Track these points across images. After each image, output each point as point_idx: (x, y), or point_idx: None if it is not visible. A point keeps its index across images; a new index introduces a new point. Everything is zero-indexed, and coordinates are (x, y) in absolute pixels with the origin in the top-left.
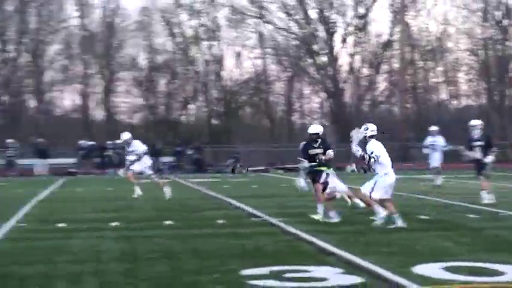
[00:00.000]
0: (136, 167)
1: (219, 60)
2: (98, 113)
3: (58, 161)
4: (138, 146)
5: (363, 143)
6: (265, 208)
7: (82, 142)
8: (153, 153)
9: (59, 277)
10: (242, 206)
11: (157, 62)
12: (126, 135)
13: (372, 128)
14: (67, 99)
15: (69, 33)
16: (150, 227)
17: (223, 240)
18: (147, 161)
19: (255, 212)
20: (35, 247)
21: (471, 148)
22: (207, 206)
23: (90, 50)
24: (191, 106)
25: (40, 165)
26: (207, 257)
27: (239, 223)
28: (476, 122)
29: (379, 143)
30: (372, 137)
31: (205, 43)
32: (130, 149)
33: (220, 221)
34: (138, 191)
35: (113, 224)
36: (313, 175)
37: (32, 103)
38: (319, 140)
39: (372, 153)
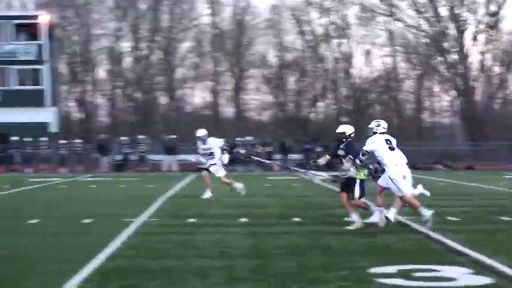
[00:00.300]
0: (213, 168)
1: (348, 58)
2: (228, 110)
3: (188, 157)
4: (214, 144)
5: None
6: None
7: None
8: (283, 150)
9: (187, 271)
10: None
11: (287, 59)
12: (201, 132)
13: (383, 125)
14: (198, 96)
15: (200, 31)
16: (278, 224)
17: (351, 238)
18: (224, 159)
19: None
20: (165, 241)
21: None
22: (335, 203)
23: (221, 48)
24: (320, 104)
25: (168, 161)
26: (334, 254)
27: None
28: None
29: (382, 138)
30: (382, 133)
31: (334, 41)
32: (205, 147)
33: (348, 219)
34: (208, 193)
35: (241, 220)
36: (343, 182)
37: (163, 100)
38: (345, 141)
39: (366, 152)
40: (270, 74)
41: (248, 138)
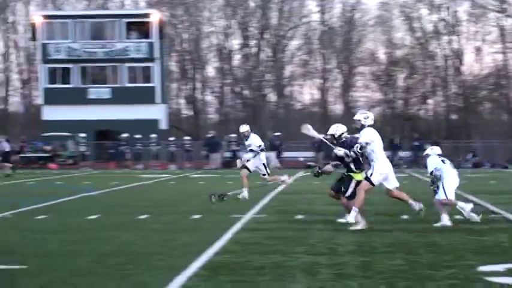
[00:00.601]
0: (251, 165)
1: (458, 55)
2: (336, 107)
3: (296, 154)
4: (255, 141)
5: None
6: (503, 205)
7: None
8: (391, 147)
9: (295, 267)
10: (480, 201)
11: (396, 56)
12: (244, 128)
13: (372, 117)
14: (306, 94)
15: (309, 28)
16: (385, 221)
17: (461, 236)
18: (263, 157)
19: (493, 208)
20: (273, 237)
21: None
22: None
23: (330, 45)
24: (429, 101)
25: (273, 158)
26: (442, 251)
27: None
28: None
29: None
30: (370, 126)
31: (445, 38)
32: (247, 143)
33: (457, 216)
34: (245, 194)
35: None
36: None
37: (272, 97)
38: (336, 142)
39: (366, 144)
40: (379, 71)
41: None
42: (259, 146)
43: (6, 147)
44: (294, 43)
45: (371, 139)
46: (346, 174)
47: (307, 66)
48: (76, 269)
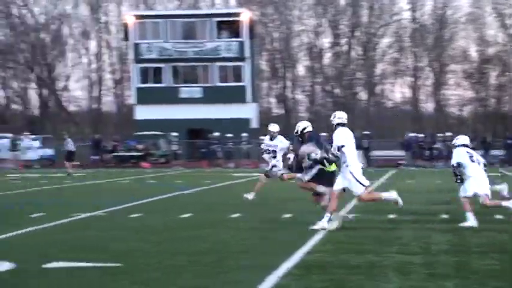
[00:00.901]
0: (275, 169)
1: None
2: (428, 106)
3: (386, 153)
4: (280, 143)
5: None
6: None
7: (412, 135)
8: (483, 146)
9: (388, 267)
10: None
11: (488, 54)
12: (274, 128)
13: (339, 115)
14: (397, 92)
15: (400, 26)
16: (480, 221)
17: None
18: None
19: None
20: (365, 237)
21: None
22: None
23: (421, 43)
24: None
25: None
26: None
27: None
28: None
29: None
30: (340, 124)
31: None
32: (271, 143)
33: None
34: (251, 196)
35: (442, 216)
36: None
37: (363, 95)
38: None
39: (342, 146)
40: (471, 68)
41: (448, 134)
42: (285, 147)
43: (71, 147)
44: (385, 41)
45: (344, 142)
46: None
47: (398, 64)
48: (170, 267)
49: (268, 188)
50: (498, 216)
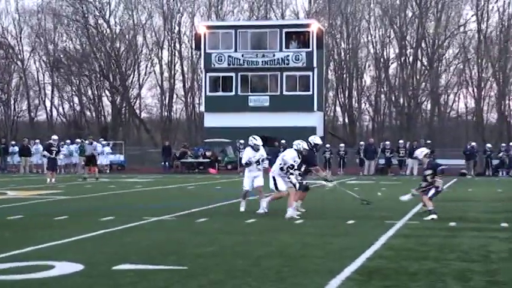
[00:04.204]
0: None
1: None
2: (491, 116)
3: (447, 162)
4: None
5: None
6: None
7: (473, 144)
8: None
9: (447, 274)
10: None
11: None
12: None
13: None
14: (461, 102)
15: (465, 37)
16: None
17: None
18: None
19: None
20: (426, 244)
21: None
22: None
23: (486, 54)
24: None
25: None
26: None
27: None
28: None
29: None
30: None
31: None
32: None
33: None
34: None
35: (503, 224)
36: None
37: (427, 105)
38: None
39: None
40: None
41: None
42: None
43: (94, 151)
44: (450, 52)
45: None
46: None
47: (463, 75)
48: (234, 270)
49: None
50: None
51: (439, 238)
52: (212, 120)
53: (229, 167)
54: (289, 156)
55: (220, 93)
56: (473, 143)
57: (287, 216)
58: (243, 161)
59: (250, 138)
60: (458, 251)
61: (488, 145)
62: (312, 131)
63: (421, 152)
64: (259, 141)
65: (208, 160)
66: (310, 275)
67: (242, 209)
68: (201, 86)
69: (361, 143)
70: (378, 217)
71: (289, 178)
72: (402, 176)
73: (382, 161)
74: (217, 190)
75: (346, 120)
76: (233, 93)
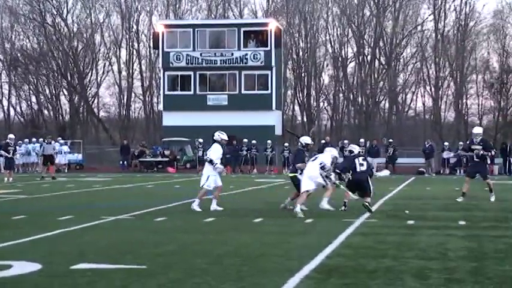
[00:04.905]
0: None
1: None
2: (448, 115)
3: (405, 161)
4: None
5: None
6: None
7: (431, 143)
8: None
9: (405, 272)
10: None
11: (510, 64)
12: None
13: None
14: (419, 101)
15: (423, 36)
16: (498, 227)
17: None
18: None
19: None
20: (384, 242)
21: None
22: None
23: (443, 53)
24: None
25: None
26: None
27: None
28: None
29: None
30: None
31: None
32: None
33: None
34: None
35: (461, 222)
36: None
37: (385, 104)
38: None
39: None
40: (492, 78)
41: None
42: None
43: (51, 150)
44: (408, 51)
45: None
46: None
47: (420, 74)
48: (193, 269)
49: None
50: None
51: (398, 236)
52: (170, 119)
53: (188, 166)
54: (327, 160)
55: (178, 92)
56: (432, 142)
57: (324, 207)
58: (213, 157)
59: (217, 133)
60: (417, 249)
61: (446, 143)
62: (270, 129)
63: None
64: (225, 136)
65: (166, 159)
66: (269, 274)
67: (199, 209)
68: (159, 84)
69: (322, 141)
70: (337, 215)
71: (330, 179)
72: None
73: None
74: (176, 189)
75: (305, 119)
76: (191, 92)
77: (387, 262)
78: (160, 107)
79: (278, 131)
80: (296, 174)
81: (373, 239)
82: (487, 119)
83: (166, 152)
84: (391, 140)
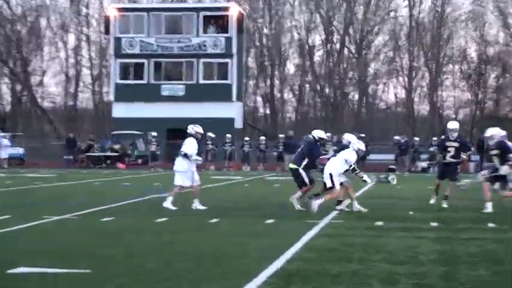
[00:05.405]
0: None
1: None
2: (422, 108)
3: (376, 157)
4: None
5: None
6: None
7: (398, 138)
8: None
9: (372, 276)
10: None
11: (489, 54)
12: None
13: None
14: (391, 93)
15: (396, 23)
16: (471, 229)
17: None
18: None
19: None
20: (350, 244)
21: None
22: None
23: (418, 42)
24: None
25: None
26: None
27: None
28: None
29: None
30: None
31: None
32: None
33: None
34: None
35: (432, 224)
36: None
37: (354, 96)
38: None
39: None
40: (469, 69)
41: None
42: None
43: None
44: (380, 39)
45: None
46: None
47: (393, 64)
48: (143, 274)
49: (252, 191)
50: (490, 225)
51: (365, 238)
52: (121, 110)
53: (139, 161)
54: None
55: (131, 81)
56: (399, 137)
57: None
58: (190, 152)
59: (191, 126)
60: (385, 252)
61: (416, 139)
62: (230, 122)
63: None
64: (200, 129)
65: (116, 154)
66: (225, 278)
67: (173, 207)
68: (110, 73)
69: (281, 135)
70: (300, 216)
71: (360, 176)
72: None
73: None
74: (125, 186)
75: (268, 112)
76: (145, 81)
77: (353, 266)
78: (111, 97)
79: (238, 124)
80: (298, 167)
81: (339, 241)
82: (463, 112)
83: (116, 146)
84: (362, 135)
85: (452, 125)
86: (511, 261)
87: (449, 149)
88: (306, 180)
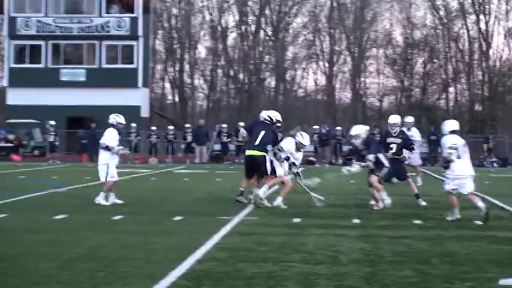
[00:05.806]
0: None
1: (486, 37)
2: (344, 95)
3: None
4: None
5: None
6: None
7: (318, 127)
8: None
9: (289, 278)
10: (505, 206)
11: (415, 38)
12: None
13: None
14: (310, 79)
15: (316, 4)
16: (395, 226)
17: (481, 245)
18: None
19: None
20: (265, 243)
21: None
22: (465, 204)
23: (339, 24)
24: (451, 89)
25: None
26: (460, 262)
27: (501, 226)
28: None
29: None
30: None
31: (471, 17)
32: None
33: (479, 222)
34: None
35: (354, 221)
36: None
37: (271, 82)
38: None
39: None
40: (395, 54)
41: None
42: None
43: None
44: (298, 21)
45: None
46: None
47: (313, 48)
48: (38, 276)
49: (159, 185)
50: (416, 221)
51: (281, 237)
52: (16, 97)
53: (36, 152)
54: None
55: (26, 65)
56: (315, 126)
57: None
58: (111, 144)
59: (113, 116)
60: (303, 251)
61: (338, 128)
62: (136, 110)
63: None
64: (122, 120)
65: (10, 144)
66: (129, 280)
67: (105, 202)
68: (3, 56)
69: (187, 125)
70: (210, 212)
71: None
72: (241, 164)
73: (217, 147)
74: (20, 180)
75: (177, 99)
76: (42, 65)
77: (268, 266)
78: (5, 82)
79: (145, 113)
80: (265, 153)
81: (253, 239)
82: (388, 100)
83: (11, 136)
84: (279, 125)
85: (394, 119)
86: (436, 261)
87: (391, 146)
88: (270, 169)
